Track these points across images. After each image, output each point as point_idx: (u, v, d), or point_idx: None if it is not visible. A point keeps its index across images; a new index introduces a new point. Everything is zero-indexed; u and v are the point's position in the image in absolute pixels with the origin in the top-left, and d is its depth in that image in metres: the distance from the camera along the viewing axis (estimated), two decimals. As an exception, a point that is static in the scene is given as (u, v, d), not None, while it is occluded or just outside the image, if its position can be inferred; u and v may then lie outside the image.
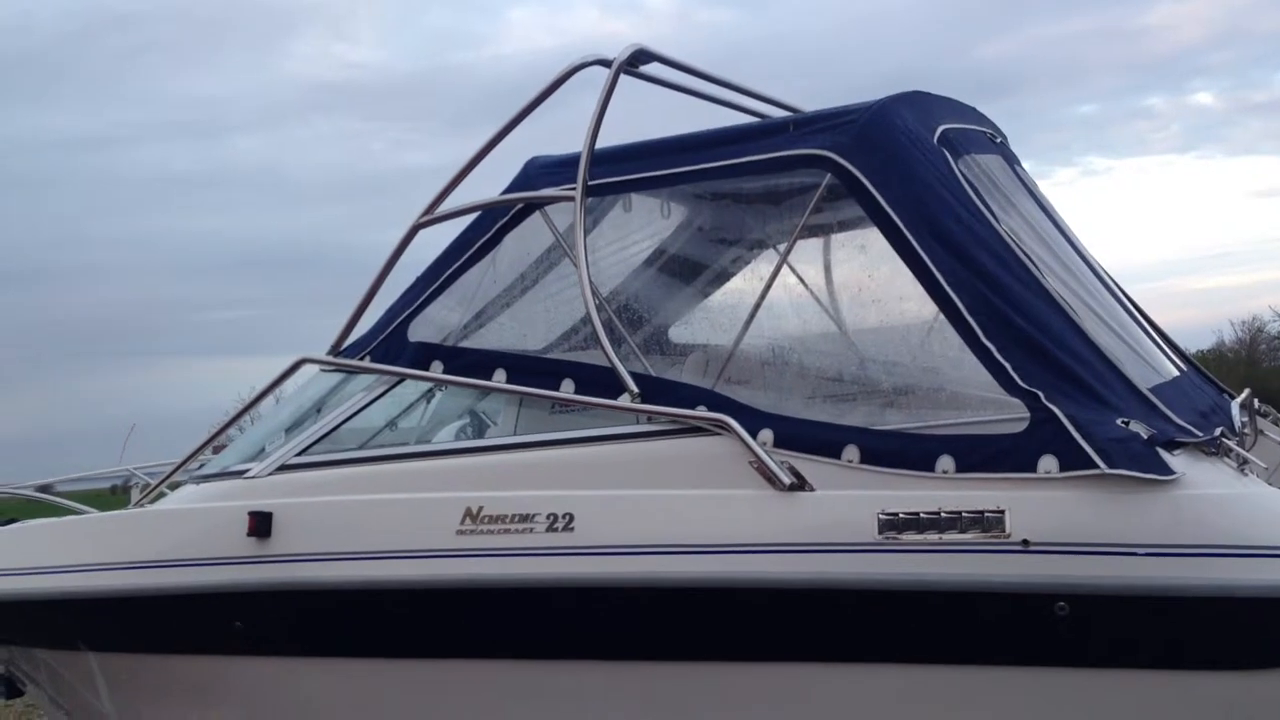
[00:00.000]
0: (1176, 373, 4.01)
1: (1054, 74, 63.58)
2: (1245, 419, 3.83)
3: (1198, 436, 3.14)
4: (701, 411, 3.47)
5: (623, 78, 3.77)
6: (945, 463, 3.15)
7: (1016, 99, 54.94)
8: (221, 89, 70.29)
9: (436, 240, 4.15)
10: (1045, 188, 4.36)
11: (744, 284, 4.21)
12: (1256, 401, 4.40)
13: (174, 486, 4.50)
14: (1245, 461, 3.08)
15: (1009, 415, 3.15)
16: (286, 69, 71.03)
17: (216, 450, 4.62)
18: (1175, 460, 2.99)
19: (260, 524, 3.80)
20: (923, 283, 3.34)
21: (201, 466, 4.46)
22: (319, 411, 4.25)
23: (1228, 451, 3.10)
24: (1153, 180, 57.78)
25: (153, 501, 4.47)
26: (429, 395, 4.32)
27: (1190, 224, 61.22)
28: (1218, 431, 3.18)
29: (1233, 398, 4.20)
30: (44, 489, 5.26)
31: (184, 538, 4.01)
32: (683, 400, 3.53)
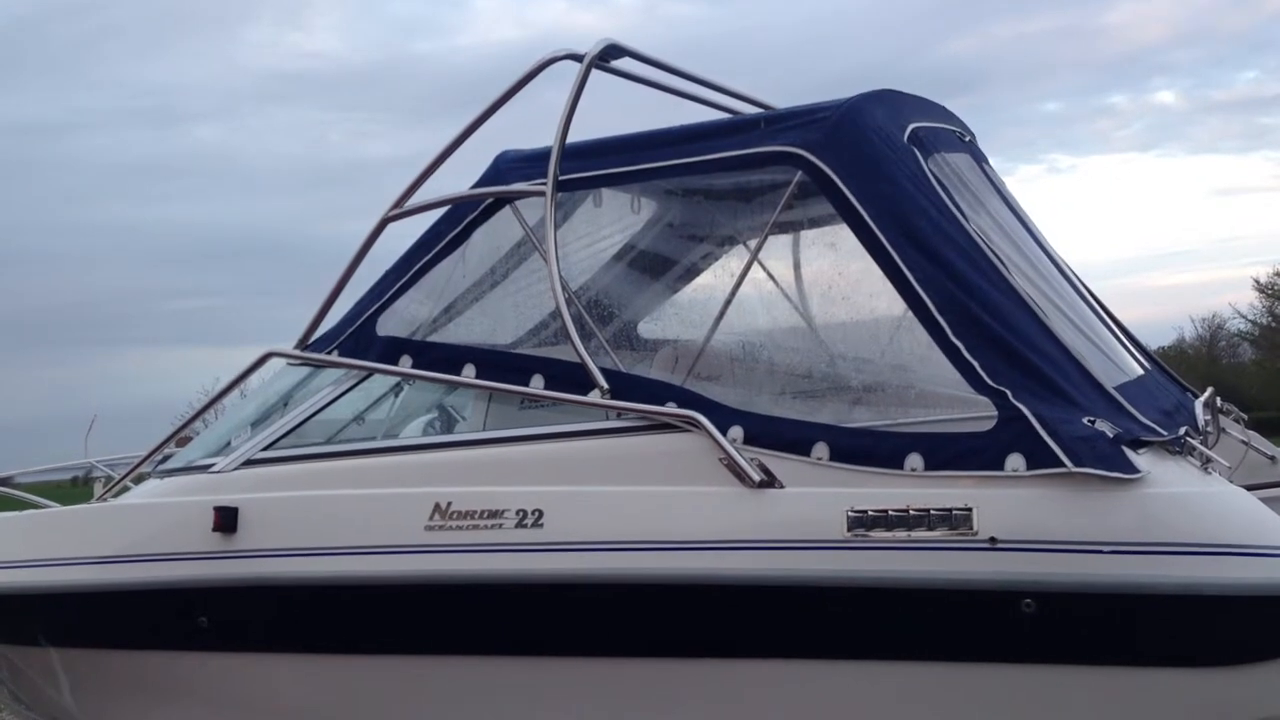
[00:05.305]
0: (1141, 371, 4.04)
1: (1019, 71, 64.13)
2: (1208, 417, 3.87)
3: (1162, 435, 3.16)
4: (671, 408, 3.47)
5: (594, 72, 3.76)
6: (914, 460, 3.17)
7: (982, 95, 55.32)
8: (178, 77, 69.52)
9: (405, 234, 4.14)
10: (1010, 185, 4.39)
11: (714, 280, 4.21)
12: (1219, 400, 4.44)
13: (138, 480, 4.45)
14: (1209, 460, 3.11)
15: (977, 413, 3.17)
16: (242, 58, 70.26)
17: (181, 444, 4.58)
18: (1140, 459, 3.02)
19: (226, 519, 3.77)
20: (892, 281, 3.35)
21: (166, 460, 4.41)
22: (285, 405, 4.21)
23: (1192, 450, 3.13)
24: (1115, 177, 58.44)
25: (116, 495, 4.42)
26: (397, 390, 4.30)
27: (1152, 221, 62.08)
28: (1182, 430, 3.22)
29: (1196, 396, 4.24)
30: (3, 482, 5.18)
31: (148, 532, 3.97)
32: (653, 396, 3.53)
